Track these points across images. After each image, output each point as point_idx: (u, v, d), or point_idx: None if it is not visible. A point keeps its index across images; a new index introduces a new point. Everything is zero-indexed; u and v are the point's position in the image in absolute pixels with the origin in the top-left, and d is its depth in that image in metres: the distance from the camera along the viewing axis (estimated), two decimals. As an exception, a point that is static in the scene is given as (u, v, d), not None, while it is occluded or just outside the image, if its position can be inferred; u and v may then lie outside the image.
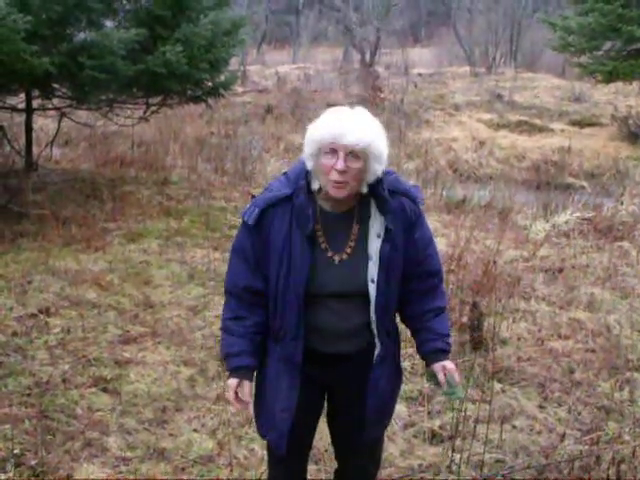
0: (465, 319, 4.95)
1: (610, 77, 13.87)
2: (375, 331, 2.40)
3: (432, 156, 12.15)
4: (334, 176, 2.16)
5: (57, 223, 7.04)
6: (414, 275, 2.42)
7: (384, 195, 2.27)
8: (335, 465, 2.82)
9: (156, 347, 4.66)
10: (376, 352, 2.42)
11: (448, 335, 2.46)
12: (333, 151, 2.15)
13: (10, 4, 5.49)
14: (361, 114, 2.22)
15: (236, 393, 2.36)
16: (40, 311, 5.12)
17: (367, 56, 23.16)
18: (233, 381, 2.36)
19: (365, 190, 2.27)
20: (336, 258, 2.31)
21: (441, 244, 6.87)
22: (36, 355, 4.50)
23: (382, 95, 16.33)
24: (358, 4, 27.79)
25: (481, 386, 4.23)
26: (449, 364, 2.40)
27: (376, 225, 2.31)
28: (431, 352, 2.42)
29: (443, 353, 2.42)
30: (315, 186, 2.29)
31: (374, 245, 2.30)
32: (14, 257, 6.29)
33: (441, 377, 2.38)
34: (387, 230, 2.29)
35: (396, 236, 2.32)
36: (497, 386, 4.25)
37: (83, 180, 9.14)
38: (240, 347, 2.37)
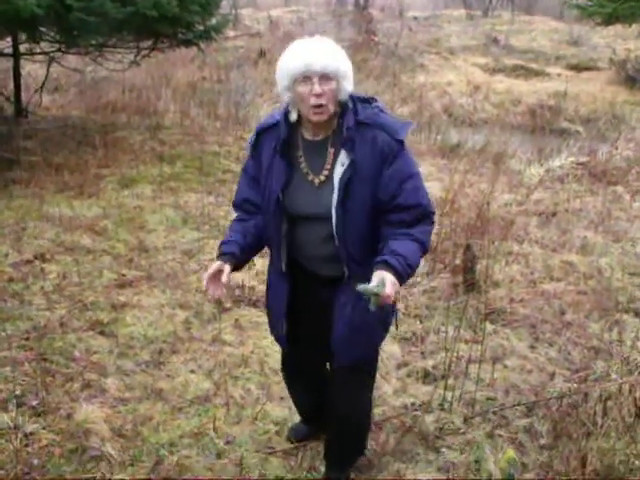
0: (458, 261, 4.99)
1: (609, 20, 13.67)
2: (341, 257, 2.48)
3: (427, 100, 12.08)
4: (312, 101, 2.32)
5: (49, 169, 7.02)
6: (389, 208, 2.42)
7: (348, 124, 2.37)
8: None
9: (151, 291, 4.69)
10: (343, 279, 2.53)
11: (405, 257, 2.32)
12: (307, 78, 2.31)
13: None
14: (324, 41, 2.38)
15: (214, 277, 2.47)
16: (35, 257, 5.13)
17: (361, -1, 22.73)
18: (216, 263, 2.50)
19: (339, 112, 2.40)
20: (316, 181, 2.47)
21: (435, 188, 6.88)
22: (33, 300, 4.53)
23: (376, 39, 16.12)
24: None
25: (473, 327, 4.29)
26: (389, 277, 2.25)
27: (342, 153, 2.41)
28: (378, 262, 2.33)
29: (388, 266, 2.28)
30: (294, 117, 2.46)
31: (337, 172, 2.40)
32: (7, 204, 6.27)
33: (373, 282, 2.26)
34: (351, 160, 2.37)
35: (362, 167, 2.38)
36: (489, 327, 4.31)
37: (74, 126, 9.05)
38: (233, 238, 2.59)
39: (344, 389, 2.77)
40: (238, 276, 4.81)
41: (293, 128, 2.47)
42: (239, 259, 2.56)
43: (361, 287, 2.24)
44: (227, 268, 2.47)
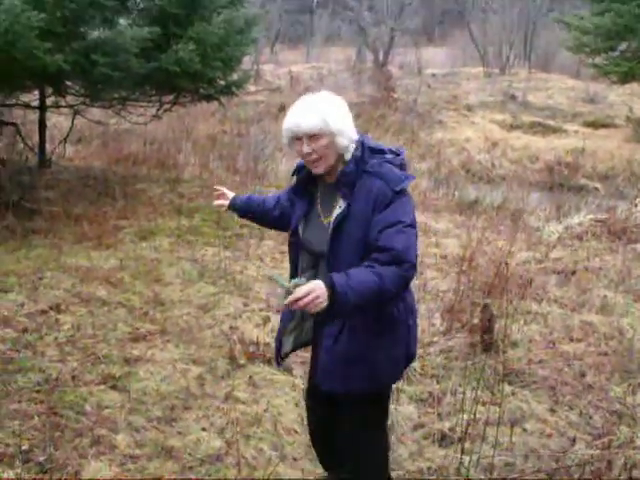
0: (476, 320, 4.92)
1: (625, 78, 13.80)
2: None
3: (445, 157, 12.12)
4: (306, 157, 2.59)
5: (69, 220, 7.08)
6: (371, 250, 2.50)
7: (345, 170, 2.58)
8: None
9: (165, 345, 4.65)
10: None
11: (351, 278, 2.35)
12: (298, 138, 2.56)
13: (25, 1, 5.50)
14: (317, 98, 2.60)
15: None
16: (51, 308, 5.13)
17: (380, 56, 23.11)
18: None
19: (348, 158, 2.60)
20: (324, 221, 2.68)
21: (453, 245, 6.86)
22: (46, 352, 4.51)
23: (395, 95, 16.30)
24: (372, 4, 27.72)
25: (491, 388, 4.19)
26: (313, 284, 2.30)
27: (340, 198, 2.61)
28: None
29: (328, 279, 2.33)
30: None
31: (334, 214, 2.60)
32: (26, 253, 6.32)
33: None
34: (347, 204, 2.56)
35: (356, 211, 2.54)
36: (507, 388, 4.21)
37: (95, 178, 9.17)
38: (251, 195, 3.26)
39: (344, 422, 2.83)
40: (253, 332, 4.79)
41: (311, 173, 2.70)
42: (248, 204, 3.15)
43: (274, 275, 2.54)
44: (229, 195, 3.21)
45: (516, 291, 5.61)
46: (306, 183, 2.74)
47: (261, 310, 5.21)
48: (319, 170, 2.59)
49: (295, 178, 2.80)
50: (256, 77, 16.33)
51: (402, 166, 2.63)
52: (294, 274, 2.81)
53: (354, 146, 2.61)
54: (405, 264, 2.45)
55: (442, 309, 5.30)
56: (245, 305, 5.30)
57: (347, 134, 2.57)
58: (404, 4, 25.96)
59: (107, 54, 6.35)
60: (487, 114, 16.53)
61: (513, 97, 18.63)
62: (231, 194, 3.25)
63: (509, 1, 28.66)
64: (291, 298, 2.28)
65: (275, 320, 4.83)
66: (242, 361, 4.50)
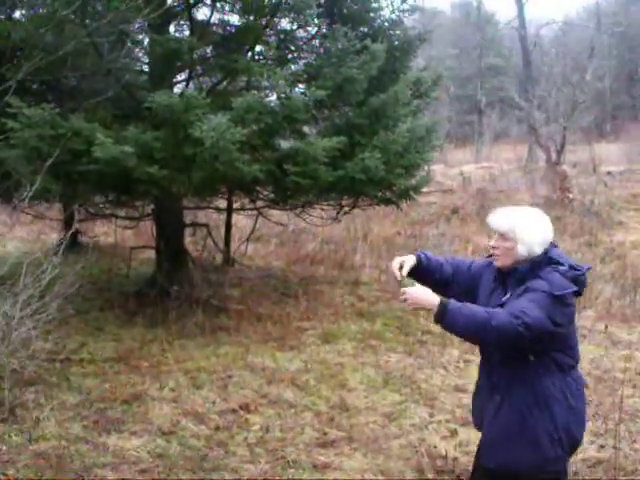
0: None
1: None
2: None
3: (629, 261, 11.50)
4: (491, 249, 3.09)
5: (253, 319, 7.38)
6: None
7: (519, 269, 2.99)
8: None
9: (353, 453, 4.65)
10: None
11: (465, 306, 2.84)
12: (492, 233, 3.09)
13: (229, 119, 5.98)
14: (519, 209, 3.12)
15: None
16: (240, 407, 5.31)
17: (553, 154, 22.70)
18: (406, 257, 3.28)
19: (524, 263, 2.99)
20: (492, 302, 3.07)
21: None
22: (237, 451, 4.65)
23: (571, 195, 15.86)
24: (542, 102, 27.51)
25: None
26: (425, 290, 2.96)
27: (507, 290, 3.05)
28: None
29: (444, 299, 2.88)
30: None
31: (503, 299, 3.01)
32: (214, 350, 6.63)
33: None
34: (510, 294, 2.98)
35: (511, 299, 2.94)
36: None
37: (276, 277, 9.55)
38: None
39: None
40: (441, 446, 4.68)
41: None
42: (428, 264, 3.26)
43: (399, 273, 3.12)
44: (412, 257, 3.26)
45: None
46: (493, 276, 3.16)
47: (448, 422, 5.10)
48: (497, 264, 3.08)
49: (491, 266, 3.19)
50: (429, 178, 16.54)
51: (576, 280, 2.90)
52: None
53: (538, 253, 2.96)
54: (520, 319, 2.74)
55: (645, 433, 4.93)
56: (431, 416, 5.21)
57: (529, 247, 2.96)
58: (576, 102, 25.54)
59: (298, 163, 6.70)
60: (672, 214, 15.63)
61: (699, 195, 17.53)
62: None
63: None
64: (403, 290, 2.97)
65: (463, 433, 4.70)
66: (430, 475, 4.40)
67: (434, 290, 3.03)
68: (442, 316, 2.84)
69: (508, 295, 2.99)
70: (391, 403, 5.46)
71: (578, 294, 2.96)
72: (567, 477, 3.14)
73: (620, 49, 45.28)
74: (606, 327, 7.69)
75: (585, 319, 8.04)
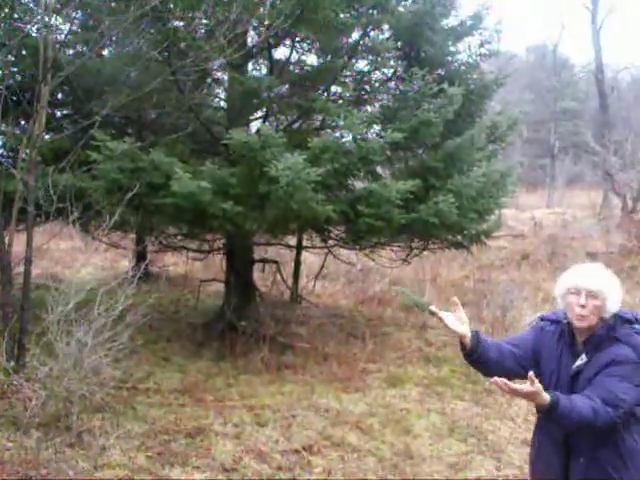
0: None
1: None
2: None
3: None
4: (577, 310, 2.95)
5: (319, 358, 7.35)
6: (597, 388, 2.84)
7: (597, 333, 2.95)
8: None
9: (419, 504, 4.54)
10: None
11: (574, 400, 2.76)
12: (576, 292, 2.96)
13: (306, 159, 6.03)
14: (601, 266, 3.05)
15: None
16: (303, 448, 5.26)
17: (629, 202, 22.11)
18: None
19: (600, 325, 2.95)
20: (564, 370, 3.03)
21: None
22: (299, 494, 4.60)
23: (647, 245, 15.39)
24: (618, 147, 26.93)
25: None
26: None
27: (584, 354, 2.98)
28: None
29: (552, 395, 2.75)
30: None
31: (576, 365, 2.98)
32: (279, 388, 6.61)
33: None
34: (588, 359, 2.94)
35: (596, 362, 2.91)
36: None
37: (343, 316, 9.52)
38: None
39: None
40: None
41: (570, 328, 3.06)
42: (482, 346, 3.05)
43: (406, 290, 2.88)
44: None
45: None
46: (559, 337, 3.10)
47: (515, 476, 4.93)
48: (582, 324, 2.95)
49: (547, 329, 3.16)
50: (500, 223, 16.33)
51: None
52: None
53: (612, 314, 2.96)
54: (618, 409, 2.77)
55: None
56: (497, 469, 5.06)
57: (615, 304, 2.95)
58: (654, 149, 24.87)
59: (371, 205, 6.69)
60: None
61: None
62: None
63: None
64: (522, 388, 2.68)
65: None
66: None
67: (494, 366, 3.05)
68: (549, 414, 2.77)
69: (584, 360, 2.96)
70: (456, 453, 5.33)
71: None
72: None
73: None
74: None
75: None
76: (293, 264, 10.48)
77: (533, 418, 6.04)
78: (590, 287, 2.94)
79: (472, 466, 5.11)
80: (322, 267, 10.69)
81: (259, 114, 8.43)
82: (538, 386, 2.67)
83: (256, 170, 6.36)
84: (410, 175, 7.27)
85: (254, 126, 8.54)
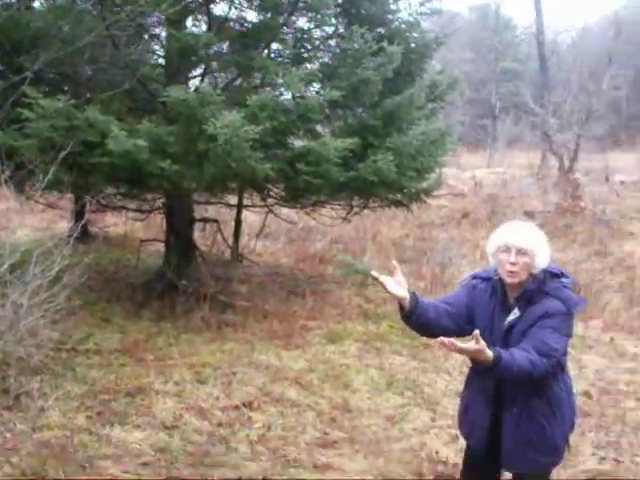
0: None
1: None
2: None
3: (638, 271, 11.45)
4: (507, 267, 3.08)
5: (259, 316, 7.39)
6: (531, 340, 3.00)
7: (528, 288, 3.09)
8: None
9: (354, 455, 4.67)
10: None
11: (512, 354, 2.90)
12: (506, 250, 3.08)
13: (243, 117, 5.99)
14: (531, 225, 3.20)
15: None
16: (243, 404, 5.33)
17: (566, 162, 22.59)
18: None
19: (530, 280, 3.10)
20: (497, 324, 3.18)
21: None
22: (238, 448, 4.68)
23: (582, 204, 15.80)
24: (557, 109, 27.40)
25: None
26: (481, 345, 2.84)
27: (516, 309, 3.13)
28: None
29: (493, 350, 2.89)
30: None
31: (508, 320, 3.14)
32: (220, 346, 6.64)
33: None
34: (521, 314, 3.10)
35: (528, 316, 3.06)
36: None
37: (284, 275, 9.57)
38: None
39: None
40: (442, 451, 4.69)
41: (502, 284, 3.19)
42: (419, 308, 3.12)
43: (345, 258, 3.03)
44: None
45: None
46: (491, 294, 3.23)
47: (449, 427, 5.10)
48: (513, 280, 3.08)
49: (479, 287, 3.29)
50: (441, 182, 16.50)
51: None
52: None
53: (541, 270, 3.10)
54: (552, 358, 2.97)
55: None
56: (433, 420, 5.23)
57: (544, 260, 3.09)
58: (591, 110, 25.40)
59: (310, 163, 6.70)
60: (684, 226, 15.52)
61: None
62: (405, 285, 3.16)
63: None
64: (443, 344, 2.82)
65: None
66: (430, 478, 4.41)
67: (431, 326, 3.17)
68: (492, 369, 2.89)
69: (517, 314, 3.11)
70: (394, 406, 5.48)
71: None
72: None
73: (638, 58, 45.02)
74: (612, 339, 7.68)
75: (592, 329, 8.03)
76: (234, 223, 10.44)
77: (468, 370, 6.26)
78: (520, 245, 3.05)
79: (409, 418, 5.26)
80: (263, 226, 10.68)
81: (198, 72, 8.29)
82: (483, 344, 2.79)
83: (194, 128, 6.28)
84: (349, 133, 7.28)
85: (193, 85, 8.40)
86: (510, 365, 2.86)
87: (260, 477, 4.30)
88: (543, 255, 3.09)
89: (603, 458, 4.78)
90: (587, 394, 6.00)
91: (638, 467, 4.69)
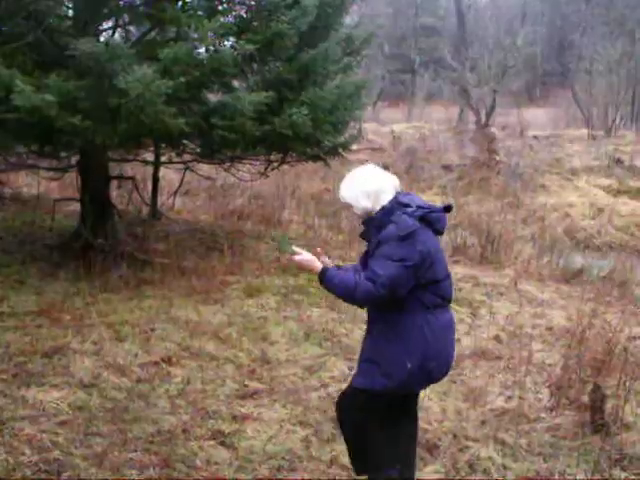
0: (585, 398, 4.79)
1: None
2: None
3: (548, 222, 11.91)
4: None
5: (178, 273, 7.36)
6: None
7: (373, 217, 3.36)
8: None
9: (272, 404, 4.76)
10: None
11: (339, 273, 3.32)
12: None
13: (155, 71, 5.87)
14: (353, 174, 3.45)
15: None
16: (162, 360, 5.34)
17: (482, 117, 23.09)
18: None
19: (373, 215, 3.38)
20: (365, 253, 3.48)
21: (559, 317, 6.73)
22: (158, 403, 4.70)
23: (497, 158, 16.22)
24: (474, 64, 27.85)
25: (602, 472, 4.06)
26: (310, 256, 3.41)
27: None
28: None
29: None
30: None
31: (371, 248, 3.38)
32: (138, 303, 6.61)
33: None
34: (369, 240, 3.42)
35: (371, 248, 3.34)
36: (621, 474, 4.07)
37: (203, 231, 9.52)
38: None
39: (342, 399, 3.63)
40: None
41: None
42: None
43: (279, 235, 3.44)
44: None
45: (629, 369, 5.41)
46: (365, 230, 3.50)
47: (365, 374, 5.24)
48: (360, 222, 3.48)
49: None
50: (358, 136, 16.61)
51: (424, 218, 3.30)
52: None
53: (388, 198, 3.34)
54: (376, 283, 3.17)
55: (549, 384, 5.20)
56: (350, 369, 5.34)
57: (358, 206, 3.38)
58: (507, 66, 25.94)
59: (225, 117, 6.64)
60: (592, 178, 16.14)
61: (619, 161, 18.12)
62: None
63: (615, 62, 28.06)
64: (297, 257, 3.40)
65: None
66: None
67: None
68: (321, 283, 3.36)
69: (371, 244, 3.38)
70: (312, 356, 5.59)
71: (437, 232, 3.40)
72: (418, 400, 3.78)
73: (552, 16, 45.99)
74: (515, 283, 7.99)
75: (503, 277, 8.33)
76: (151, 181, 10.29)
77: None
78: (342, 200, 3.47)
79: (326, 367, 5.37)
80: (181, 183, 10.54)
81: (109, 25, 8.05)
82: (310, 255, 3.37)
83: (104, 83, 6.12)
84: (264, 88, 7.23)
85: (104, 38, 8.15)
86: (332, 278, 3.28)
87: (179, 429, 4.34)
88: (354, 202, 3.38)
89: (510, 397, 5.03)
90: (497, 338, 6.26)
91: (540, 403, 4.97)
